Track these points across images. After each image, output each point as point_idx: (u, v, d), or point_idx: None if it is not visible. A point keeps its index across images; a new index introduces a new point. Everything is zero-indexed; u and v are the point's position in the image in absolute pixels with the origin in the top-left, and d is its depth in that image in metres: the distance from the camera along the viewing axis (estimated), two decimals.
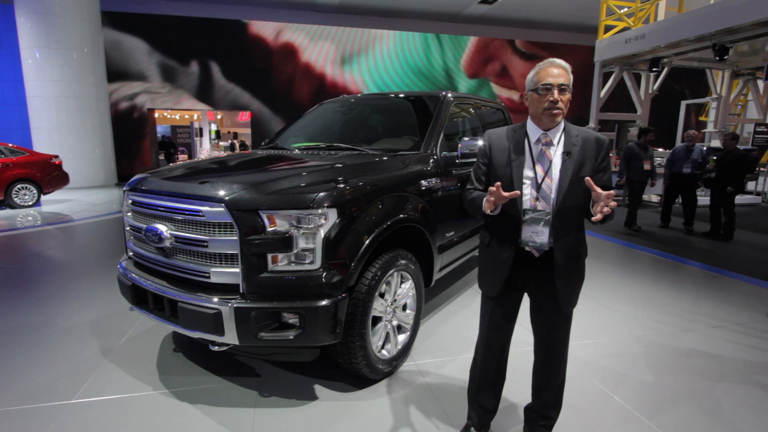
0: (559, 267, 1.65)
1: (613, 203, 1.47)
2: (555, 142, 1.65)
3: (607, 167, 1.67)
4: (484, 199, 1.62)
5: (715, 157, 6.52)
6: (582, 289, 1.75)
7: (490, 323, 1.84)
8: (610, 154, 1.74)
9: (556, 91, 1.57)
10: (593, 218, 1.53)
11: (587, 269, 1.77)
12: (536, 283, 1.73)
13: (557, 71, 1.58)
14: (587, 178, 1.49)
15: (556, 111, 1.59)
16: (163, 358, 2.74)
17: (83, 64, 11.52)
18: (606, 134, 10.51)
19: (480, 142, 1.85)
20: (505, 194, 1.54)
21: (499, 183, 1.55)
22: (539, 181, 1.64)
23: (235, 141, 18.04)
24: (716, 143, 10.84)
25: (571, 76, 1.62)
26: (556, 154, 1.64)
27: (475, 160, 1.91)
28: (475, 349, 1.95)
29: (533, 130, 1.68)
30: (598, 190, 1.47)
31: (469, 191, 1.80)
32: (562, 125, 1.66)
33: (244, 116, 17.34)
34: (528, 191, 1.65)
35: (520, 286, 1.77)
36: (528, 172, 1.66)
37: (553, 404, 1.88)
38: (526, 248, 1.68)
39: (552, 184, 1.62)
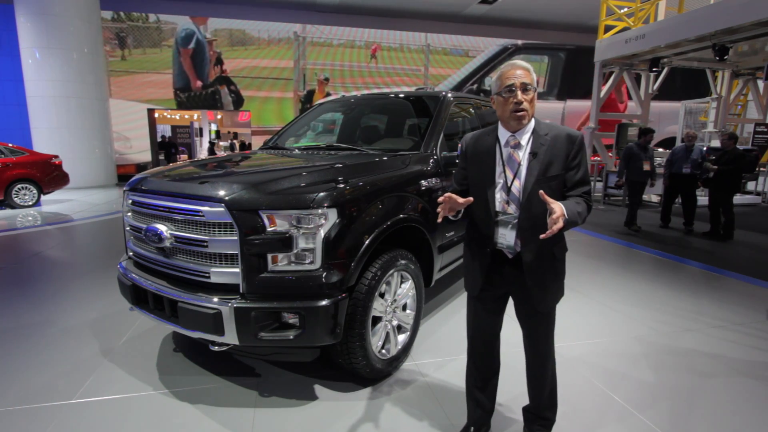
0: (529, 268, 1.66)
1: (557, 226, 1.38)
2: (524, 143, 1.65)
3: (581, 164, 1.63)
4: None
5: (713, 157, 6.51)
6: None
7: (474, 321, 1.88)
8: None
9: (519, 92, 1.57)
10: (541, 235, 1.45)
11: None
12: (512, 282, 1.75)
13: (520, 72, 1.59)
14: (541, 191, 1.47)
15: (521, 112, 1.59)
16: (163, 358, 2.74)
17: (83, 64, 11.52)
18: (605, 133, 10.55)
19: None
20: (461, 200, 1.58)
21: (448, 194, 1.60)
22: (509, 183, 1.65)
23: (235, 141, 17.98)
24: (716, 143, 10.83)
25: (534, 76, 1.61)
26: (524, 155, 1.64)
27: None
28: (466, 350, 1.97)
29: (503, 133, 1.69)
30: (552, 205, 1.43)
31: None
32: (531, 125, 1.66)
33: (244, 116, 17.34)
34: (499, 194, 1.67)
35: (500, 285, 1.79)
36: (499, 176, 1.68)
37: (548, 405, 1.89)
38: (501, 249, 1.71)
39: (520, 186, 1.63)
